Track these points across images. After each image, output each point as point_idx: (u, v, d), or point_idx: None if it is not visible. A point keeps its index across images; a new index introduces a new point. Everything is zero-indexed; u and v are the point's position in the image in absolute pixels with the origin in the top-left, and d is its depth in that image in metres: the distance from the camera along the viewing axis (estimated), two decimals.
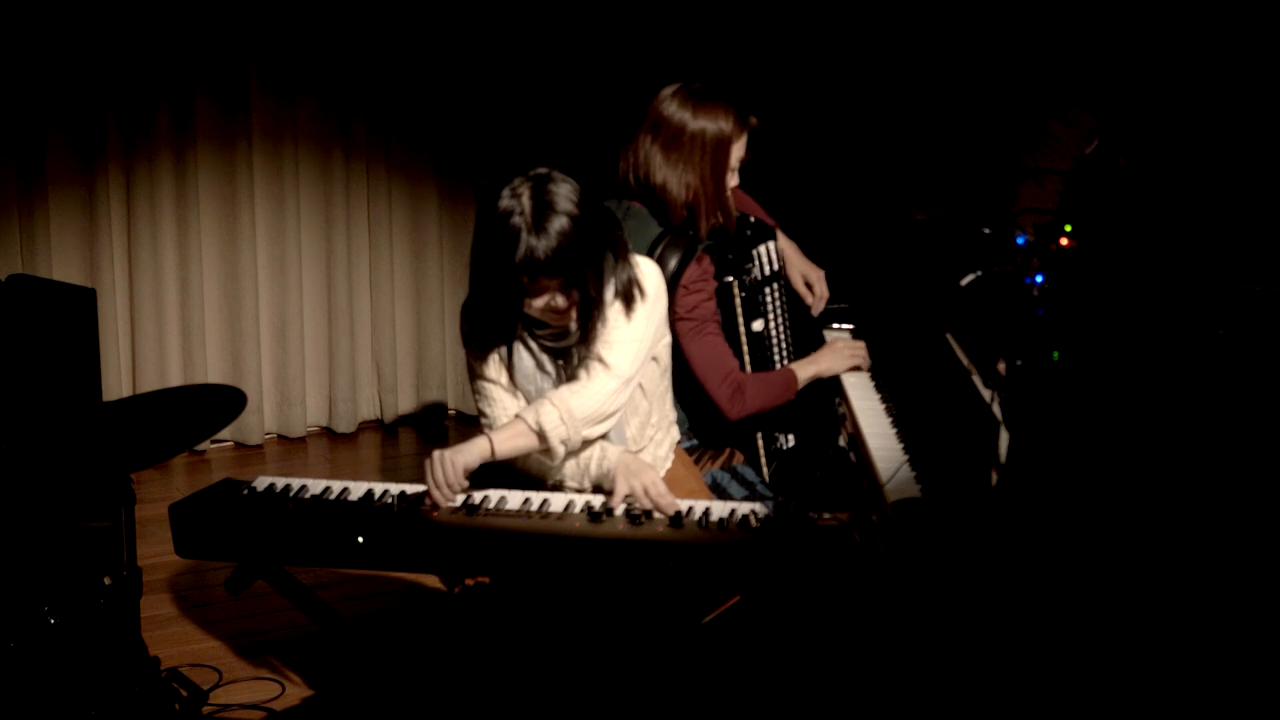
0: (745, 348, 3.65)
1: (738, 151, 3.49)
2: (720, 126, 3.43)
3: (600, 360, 3.05)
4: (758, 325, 3.68)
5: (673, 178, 3.43)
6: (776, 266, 3.74)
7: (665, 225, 3.47)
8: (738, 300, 3.63)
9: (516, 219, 2.89)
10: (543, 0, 5.44)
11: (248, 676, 3.72)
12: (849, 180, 5.13)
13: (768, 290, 3.71)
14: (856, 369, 3.75)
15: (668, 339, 3.24)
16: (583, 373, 3.06)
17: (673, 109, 3.44)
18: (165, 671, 3.41)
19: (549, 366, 3.11)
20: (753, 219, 3.72)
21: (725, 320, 3.58)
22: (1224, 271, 2.83)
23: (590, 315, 3.01)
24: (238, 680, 3.70)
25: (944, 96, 5.03)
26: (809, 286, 3.87)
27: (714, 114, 3.43)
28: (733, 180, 3.52)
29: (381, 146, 5.48)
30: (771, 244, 3.72)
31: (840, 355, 3.75)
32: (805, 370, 3.67)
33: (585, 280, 2.95)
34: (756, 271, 3.68)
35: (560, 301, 2.97)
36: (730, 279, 3.61)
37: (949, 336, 3.13)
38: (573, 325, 3.04)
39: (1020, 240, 2.80)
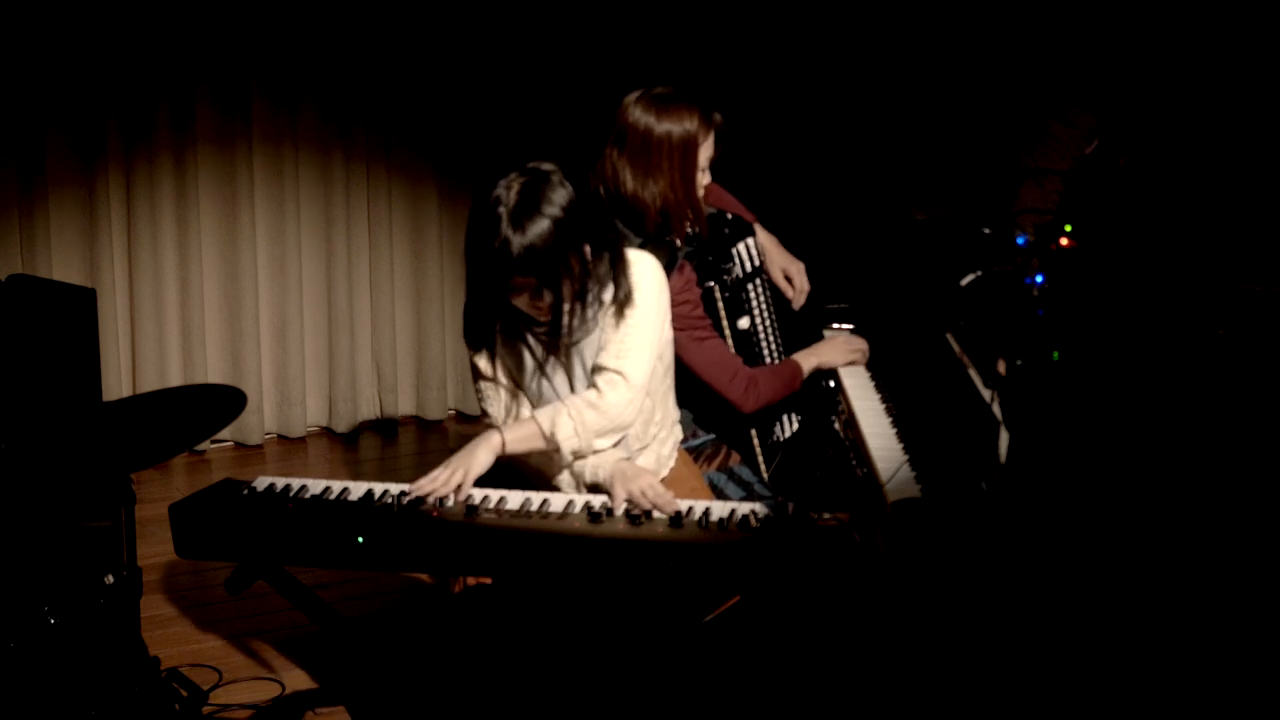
0: (731, 347, 3.64)
1: (706, 151, 3.45)
2: (686, 128, 3.40)
3: (617, 372, 3.05)
4: (743, 323, 3.68)
5: (643, 185, 3.40)
6: (757, 263, 3.73)
7: (640, 235, 3.44)
8: (720, 305, 3.63)
9: (500, 210, 2.88)
10: (542, 2, 5.44)
11: (248, 676, 3.72)
12: (849, 180, 5.13)
13: (750, 287, 3.70)
14: (856, 364, 3.76)
15: (669, 335, 3.23)
16: (603, 384, 3.06)
17: (637, 115, 3.41)
18: (165, 671, 3.41)
19: (550, 367, 3.11)
20: (730, 216, 3.71)
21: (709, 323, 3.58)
22: (1224, 271, 2.83)
23: (559, 323, 2.99)
24: (238, 680, 3.70)
25: (944, 96, 5.03)
26: (789, 280, 3.86)
27: (678, 116, 3.40)
28: (705, 179, 3.49)
29: (381, 147, 5.48)
30: (751, 240, 3.70)
31: (840, 349, 3.77)
32: (808, 361, 3.69)
33: (559, 286, 2.94)
34: (737, 270, 3.67)
35: (539, 301, 2.96)
36: (711, 284, 3.60)
37: (949, 336, 3.13)
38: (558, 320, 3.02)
39: (1020, 240, 2.80)
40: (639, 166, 3.40)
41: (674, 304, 3.39)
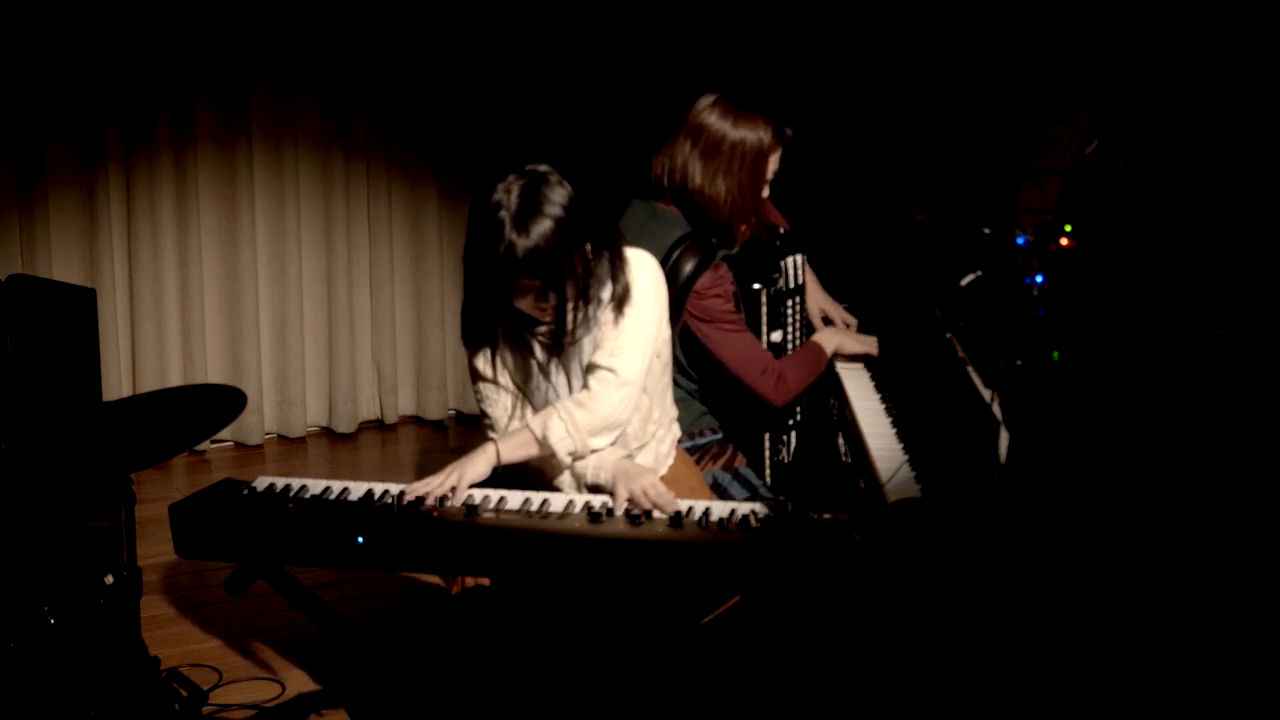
0: None
1: (773, 164, 3.52)
2: (760, 137, 3.46)
3: (608, 369, 3.05)
4: (776, 336, 3.71)
5: (711, 185, 3.46)
6: (801, 280, 3.78)
7: (699, 229, 3.49)
8: (764, 310, 3.66)
9: (502, 214, 2.88)
10: (543, 1, 5.44)
11: (248, 676, 3.72)
12: (850, 180, 5.13)
13: (790, 302, 3.75)
14: (861, 359, 3.79)
15: (667, 333, 3.23)
16: (593, 382, 3.06)
17: (713, 119, 3.46)
18: (165, 671, 3.41)
19: (550, 369, 3.11)
20: (782, 230, 3.76)
21: (749, 327, 3.60)
22: (1224, 271, 2.83)
23: (564, 324, 3.00)
24: (238, 680, 3.70)
25: (944, 97, 5.03)
26: (826, 321, 3.92)
27: (754, 124, 3.46)
28: (766, 191, 3.56)
29: (381, 146, 5.48)
30: (799, 257, 3.77)
31: (854, 337, 3.81)
32: (829, 342, 3.73)
33: (563, 286, 2.94)
34: (782, 282, 3.71)
35: (543, 302, 2.96)
36: (758, 286, 3.63)
37: (949, 336, 3.13)
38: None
39: (1020, 240, 2.80)
40: (709, 166, 3.46)
41: (700, 298, 3.43)
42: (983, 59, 4.93)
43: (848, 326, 3.93)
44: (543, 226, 2.87)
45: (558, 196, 2.91)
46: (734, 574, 2.83)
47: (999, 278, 3.05)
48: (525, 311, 3.00)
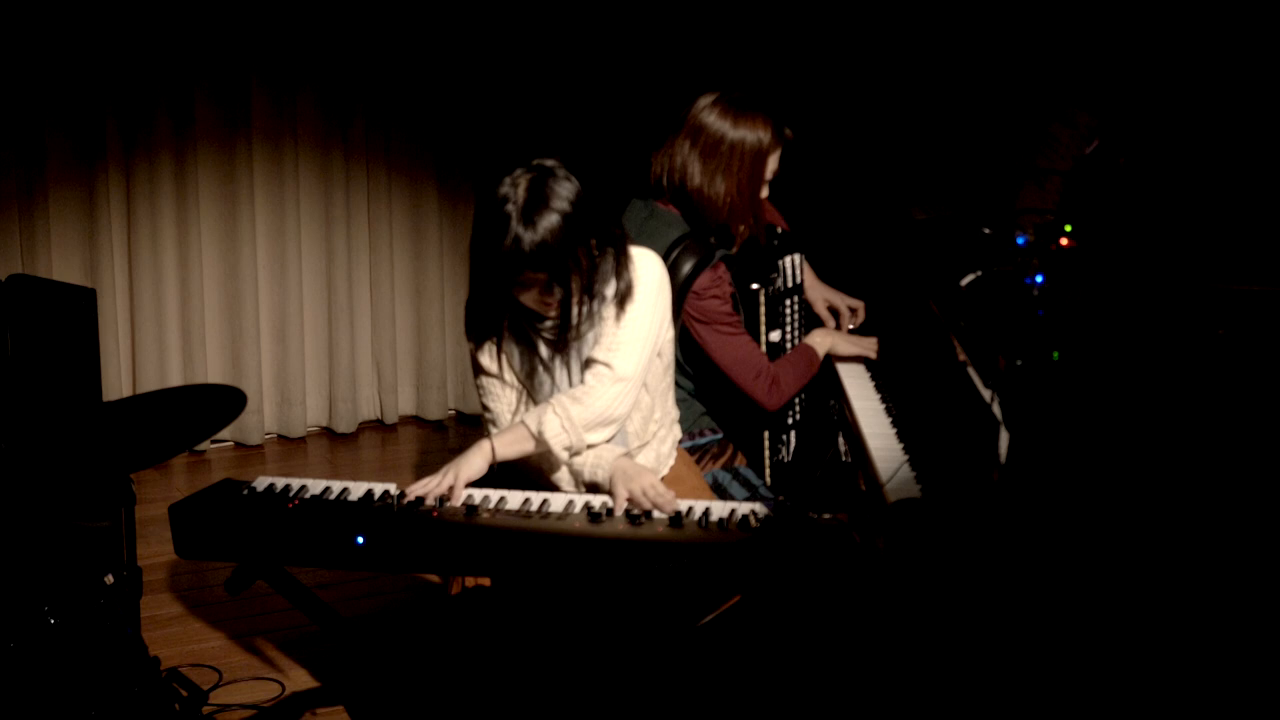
0: None
1: (772, 164, 3.52)
2: (759, 137, 3.46)
3: (605, 364, 3.05)
4: (775, 336, 3.71)
5: (710, 185, 3.46)
6: (799, 279, 3.78)
7: (698, 228, 3.49)
8: (762, 310, 3.66)
9: (509, 207, 2.88)
10: (542, 1, 5.44)
11: (248, 676, 3.72)
12: (850, 180, 5.13)
13: (788, 302, 3.75)
14: (860, 360, 3.79)
15: (670, 334, 3.23)
16: (590, 377, 3.06)
17: (712, 118, 3.46)
18: (165, 671, 3.41)
19: (553, 364, 3.11)
20: (780, 230, 3.76)
21: (748, 327, 3.61)
22: (1224, 271, 2.83)
23: (569, 318, 3.00)
24: (238, 680, 3.70)
25: (946, 97, 5.03)
26: (834, 312, 3.92)
27: (753, 124, 3.46)
28: (765, 191, 3.56)
29: (381, 146, 5.48)
30: (797, 256, 3.77)
31: (849, 339, 3.81)
32: (821, 344, 3.72)
33: (569, 281, 2.94)
34: (780, 282, 3.71)
35: (548, 296, 2.97)
36: (756, 286, 3.63)
37: (949, 336, 3.13)
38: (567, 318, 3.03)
39: (1020, 240, 2.80)
40: (708, 166, 3.46)
41: (698, 298, 3.43)
42: (984, 59, 4.93)
43: (853, 312, 3.92)
44: (549, 220, 2.88)
45: (565, 191, 2.91)
46: (734, 574, 2.83)
47: (999, 278, 3.05)
48: (530, 306, 3.00)
